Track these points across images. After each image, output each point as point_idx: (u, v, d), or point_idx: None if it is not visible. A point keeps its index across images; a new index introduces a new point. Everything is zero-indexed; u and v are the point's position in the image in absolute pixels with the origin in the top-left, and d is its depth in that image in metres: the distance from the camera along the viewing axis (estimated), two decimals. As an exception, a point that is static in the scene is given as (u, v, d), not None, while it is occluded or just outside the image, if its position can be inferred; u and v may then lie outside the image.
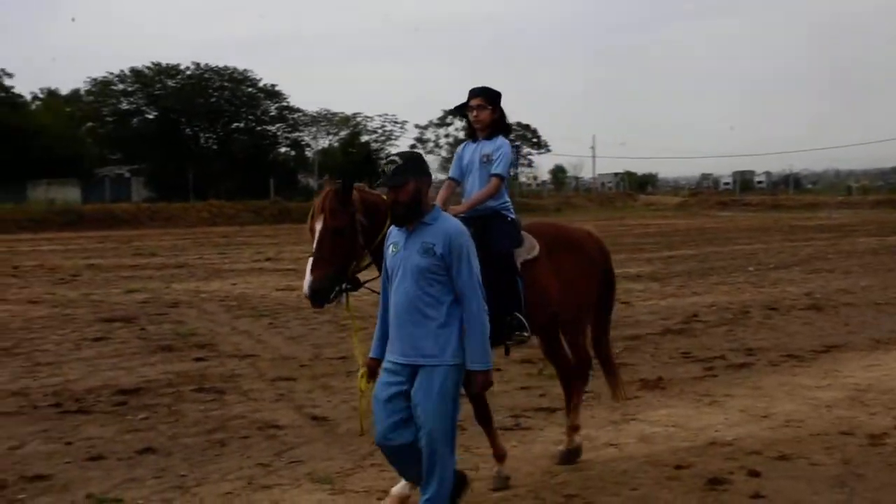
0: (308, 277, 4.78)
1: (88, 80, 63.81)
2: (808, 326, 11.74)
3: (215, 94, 63.72)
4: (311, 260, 4.81)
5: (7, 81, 57.38)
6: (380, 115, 74.17)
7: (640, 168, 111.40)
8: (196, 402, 7.95)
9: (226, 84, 63.68)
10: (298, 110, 67.64)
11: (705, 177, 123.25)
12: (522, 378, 8.69)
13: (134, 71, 61.39)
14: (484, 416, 5.54)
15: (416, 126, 79.70)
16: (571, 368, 6.26)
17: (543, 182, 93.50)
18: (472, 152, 5.91)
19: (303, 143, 70.93)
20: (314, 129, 72.52)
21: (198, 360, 9.76)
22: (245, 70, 64.13)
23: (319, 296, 4.82)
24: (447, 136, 76.21)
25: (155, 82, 61.87)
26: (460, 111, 5.94)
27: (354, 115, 74.44)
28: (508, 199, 5.88)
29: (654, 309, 13.47)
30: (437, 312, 4.38)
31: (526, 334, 5.57)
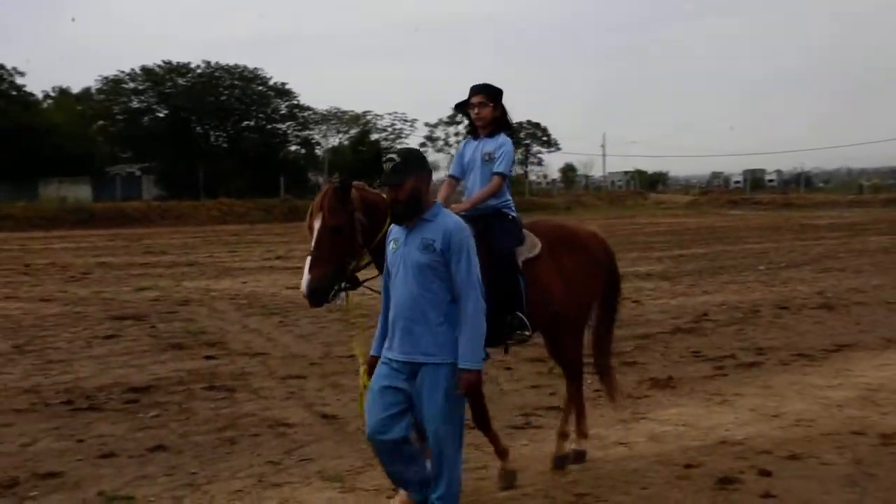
0: (306, 276, 4.76)
1: (99, 78, 64.12)
2: (819, 325, 11.70)
3: (225, 92, 63.78)
4: (309, 259, 4.79)
5: (19, 80, 57.65)
6: (389, 114, 74.30)
7: (650, 166, 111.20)
8: (207, 399, 7.98)
9: (236, 82, 63.76)
10: (308, 108, 67.76)
11: (716, 175, 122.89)
12: (533, 377, 8.69)
13: (145, 69, 61.53)
14: (481, 419, 5.41)
15: (426, 124, 79.81)
16: (564, 371, 6.18)
17: (553, 180, 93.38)
18: (473, 150, 5.86)
19: (313, 141, 71.00)
20: (324, 127, 72.62)
21: (208, 358, 9.80)
22: (255, 68, 64.31)
23: (318, 295, 4.81)
24: (457, 134, 76.20)
25: (165, 81, 61.99)
26: (461, 108, 5.90)
27: (364, 114, 74.55)
28: (510, 198, 5.84)
29: (664, 308, 13.45)
30: (437, 310, 4.34)
31: (527, 333, 5.53)
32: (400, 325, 4.41)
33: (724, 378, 8.68)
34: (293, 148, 68.71)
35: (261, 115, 65.64)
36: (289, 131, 67.65)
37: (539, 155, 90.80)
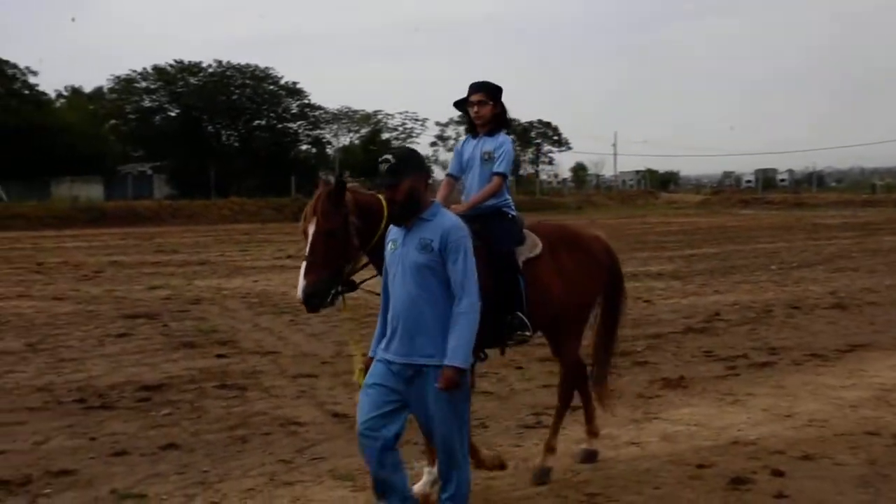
0: (302, 282, 4.69)
1: (111, 77, 64.42)
2: (832, 325, 11.65)
3: (237, 91, 63.98)
4: (304, 264, 4.72)
5: (31, 79, 57.95)
6: (400, 113, 74.44)
7: (661, 166, 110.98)
8: (218, 398, 7.99)
9: (247, 82, 63.94)
10: (319, 108, 67.95)
11: (727, 175, 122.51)
12: (544, 376, 8.67)
13: (156, 68, 61.80)
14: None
15: (437, 123, 79.90)
16: (562, 373, 6.08)
17: (564, 180, 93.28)
18: (472, 148, 5.79)
19: (324, 140, 71.18)
20: (335, 126, 72.80)
21: (220, 356, 9.82)
22: (266, 68, 64.47)
23: (314, 300, 4.74)
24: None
25: (177, 80, 62.22)
26: (461, 106, 5.83)
27: (375, 113, 74.73)
28: (509, 197, 5.78)
29: (675, 307, 13.41)
30: (435, 310, 4.28)
31: (528, 333, 5.47)
32: (398, 325, 4.35)
33: (737, 378, 8.64)
34: (304, 147, 68.92)
35: (272, 115, 65.81)
36: (300, 130, 67.81)
37: (550, 154, 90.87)
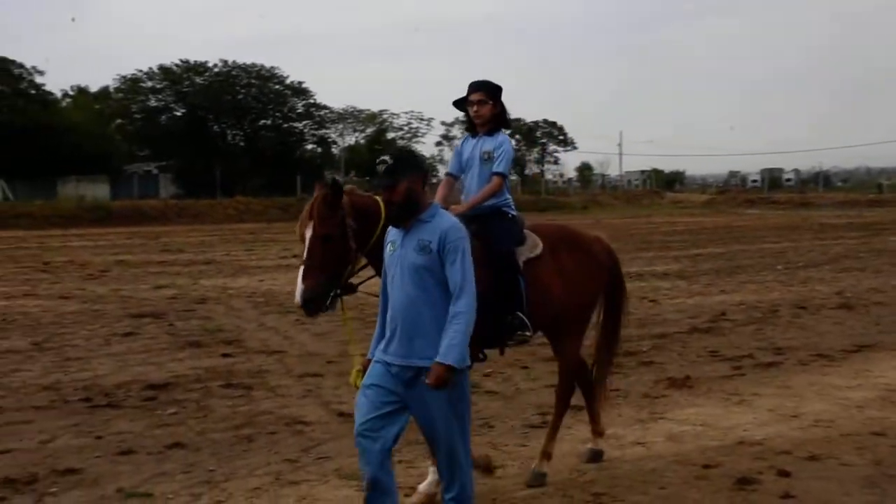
0: (300, 286, 4.68)
1: (117, 77, 64.56)
2: (838, 326, 11.62)
3: (242, 91, 64.08)
4: (302, 268, 4.71)
5: (38, 79, 58.07)
6: (406, 113, 74.43)
7: (667, 166, 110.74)
8: (224, 397, 8.00)
9: (253, 81, 64.03)
10: (325, 107, 67.99)
11: (733, 174, 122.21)
12: (549, 376, 8.64)
13: (162, 68, 61.95)
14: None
15: (443, 123, 79.89)
16: (561, 373, 6.07)
17: (570, 180, 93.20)
18: (472, 147, 5.77)
19: (329, 140, 71.26)
20: (340, 126, 72.86)
21: (225, 356, 9.83)
22: (272, 67, 64.56)
23: (312, 305, 4.73)
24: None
25: (183, 79, 62.36)
26: (460, 105, 5.81)
27: (381, 112, 74.73)
28: (510, 197, 5.76)
29: (681, 307, 13.39)
30: (434, 312, 4.23)
31: (528, 334, 5.45)
32: (397, 327, 4.31)
33: (743, 378, 8.63)
34: (310, 147, 69.03)
35: (277, 114, 65.89)
36: (305, 130, 67.88)
37: (555, 154, 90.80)
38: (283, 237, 30.70)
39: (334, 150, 71.70)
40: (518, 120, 78.85)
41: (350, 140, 75.23)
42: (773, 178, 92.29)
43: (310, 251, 4.72)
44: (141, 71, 61.99)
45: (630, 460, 6.13)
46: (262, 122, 65.83)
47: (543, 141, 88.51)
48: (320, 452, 6.37)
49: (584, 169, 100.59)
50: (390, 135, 75.32)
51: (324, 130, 69.70)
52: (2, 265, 20.77)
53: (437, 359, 4.13)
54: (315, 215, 4.73)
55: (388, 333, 4.38)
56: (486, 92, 5.67)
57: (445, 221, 4.32)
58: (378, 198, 4.84)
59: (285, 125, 66.18)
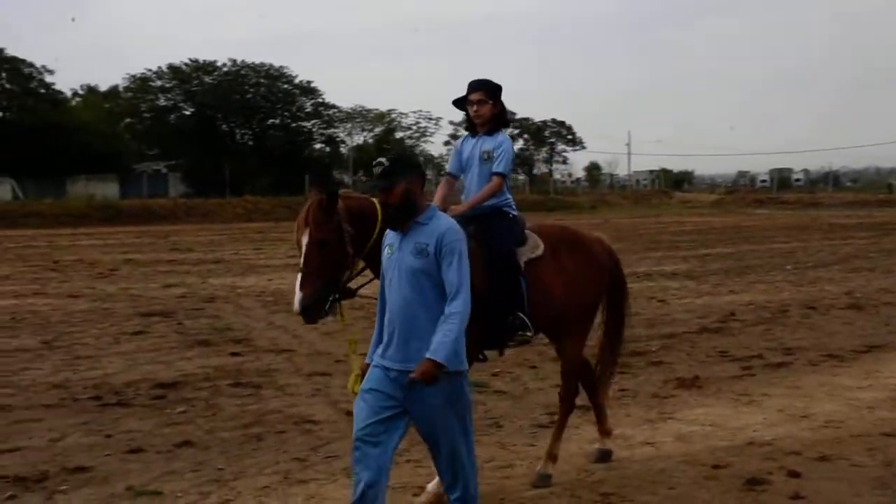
0: (298, 294, 4.64)
1: (127, 76, 64.76)
2: (848, 326, 11.57)
3: (251, 90, 64.22)
4: (299, 276, 4.67)
5: (48, 78, 58.25)
6: (414, 112, 74.40)
7: (676, 165, 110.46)
8: (233, 396, 8.02)
9: (262, 81, 64.16)
10: (333, 107, 68.06)
11: (742, 174, 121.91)
12: (558, 376, 8.60)
13: (171, 67, 62.15)
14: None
15: (451, 122, 79.80)
16: (563, 374, 6.06)
17: (578, 179, 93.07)
18: (471, 147, 5.75)
19: (338, 139, 71.31)
20: (349, 125, 72.89)
21: (234, 354, 9.85)
22: (281, 67, 64.67)
23: (311, 312, 4.71)
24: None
25: (192, 79, 62.54)
26: (460, 105, 5.78)
27: (389, 112, 74.72)
28: (510, 196, 5.74)
29: (690, 307, 13.36)
30: (430, 314, 4.20)
31: (529, 334, 5.43)
32: (394, 331, 4.29)
33: (752, 378, 8.61)
34: (318, 146, 69.05)
35: (286, 114, 66.04)
36: (314, 129, 67.98)
37: (564, 154, 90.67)
38: (291, 236, 30.59)
39: (342, 150, 71.75)
40: (526, 119, 78.76)
41: (359, 139, 75.30)
42: (782, 178, 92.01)
43: (307, 257, 4.68)
44: (150, 70, 62.30)
45: (639, 460, 6.12)
46: (271, 121, 65.97)
47: (552, 140, 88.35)
48: (329, 451, 6.37)
49: (593, 169, 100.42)
50: (398, 134, 75.34)
51: (332, 130, 69.82)
52: (11, 264, 20.84)
53: (427, 354, 4.09)
54: (311, 221, 4.69)
55: (385, 337, 4.36)
56: (486, 91, 5.64)
57: (443, 224, 4.29)
58: (374, 200, 4.82)
59: (294, 124, 66.30)
